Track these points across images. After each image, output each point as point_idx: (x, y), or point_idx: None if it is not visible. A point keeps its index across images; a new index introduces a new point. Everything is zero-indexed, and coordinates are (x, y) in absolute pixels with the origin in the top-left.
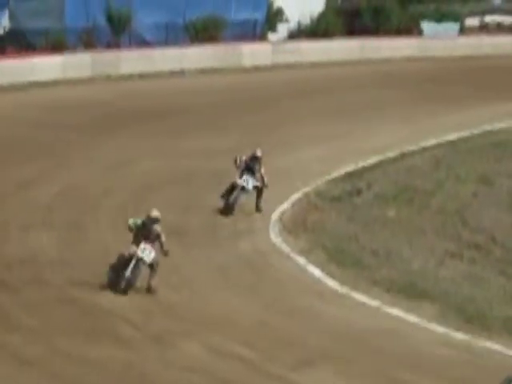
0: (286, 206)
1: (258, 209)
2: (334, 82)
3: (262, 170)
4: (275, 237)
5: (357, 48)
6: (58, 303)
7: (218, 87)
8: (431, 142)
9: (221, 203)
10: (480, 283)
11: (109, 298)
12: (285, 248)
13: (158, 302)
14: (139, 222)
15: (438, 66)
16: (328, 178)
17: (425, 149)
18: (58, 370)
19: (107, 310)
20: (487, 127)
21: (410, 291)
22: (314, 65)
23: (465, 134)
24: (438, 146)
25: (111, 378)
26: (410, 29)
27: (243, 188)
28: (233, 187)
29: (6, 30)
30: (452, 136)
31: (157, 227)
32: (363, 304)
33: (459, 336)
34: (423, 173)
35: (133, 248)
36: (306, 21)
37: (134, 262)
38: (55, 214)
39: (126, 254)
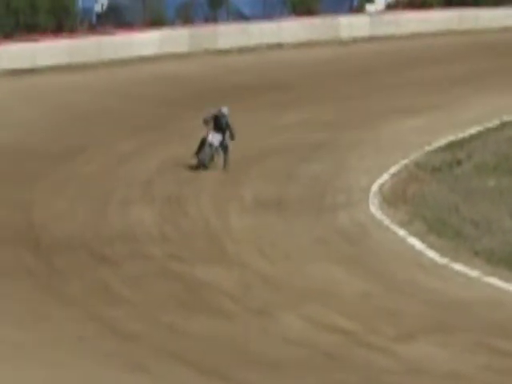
0: (385, 177)
1: (224, 166)
2: (432, 52)
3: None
4: (375, 209)
5: (455, 18)
6: (159, 277)
7: (316, 60)
8: None
9: (194, 160)
10: None
11: (208, 272)
12: (385, 220)
13: (258, 275)
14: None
15: None
16: (427, 148)
17: None
18: (160, 344)
19: (207, 284)
20: None
21: (510, 261)
22: (412, 36)
23: None
24: None
25: (215, 351)
26: None
27: (210, 145)
28: (203, 143)
29: (105, 7)
30: None
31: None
32: (464, 275)
33: None
34: None
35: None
36: None
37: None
38: (155, 188)
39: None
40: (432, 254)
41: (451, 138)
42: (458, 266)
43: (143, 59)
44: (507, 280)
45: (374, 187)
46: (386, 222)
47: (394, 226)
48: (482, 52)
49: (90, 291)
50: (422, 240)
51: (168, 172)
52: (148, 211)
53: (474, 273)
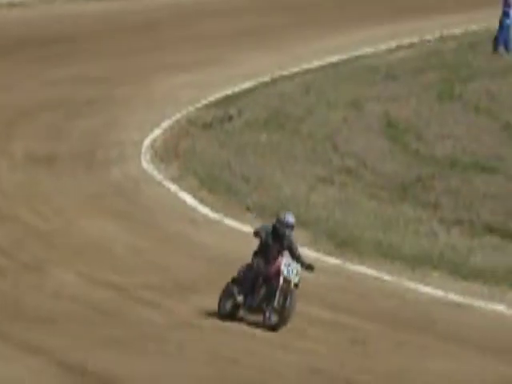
0: (157, 132)
1: (283, 319)
2: (206, 7)
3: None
4: (147, 164)
5: None
6: None
7: (90, 13)
8: (302, 67)
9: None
10: (351, 208)
11: None
12: (156, 175)
13: (30, 231)
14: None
15: None
16: (199, 104)
17: (295, 74)
18: None
19: None
20: (358, 52)
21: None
22: None
23: (335, 59)
24: (309, 71)
25: None
26: None
27: (287, 281)
28: (257, 280)
29: None
30: (322, 61)
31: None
32: (236, 230)
33: (331, 261)
34: (294, 98)
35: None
36: None
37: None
38: None
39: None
40: (204, 210)
41: (223, 93)
42: (230, 222)
43: None
44: None
45: (146, 142)
46: (158, 177)
47: (166, 181)
48: (258, 7)
49: None
50: (194, 195)
51: None
52: None
53: (245, 228)
